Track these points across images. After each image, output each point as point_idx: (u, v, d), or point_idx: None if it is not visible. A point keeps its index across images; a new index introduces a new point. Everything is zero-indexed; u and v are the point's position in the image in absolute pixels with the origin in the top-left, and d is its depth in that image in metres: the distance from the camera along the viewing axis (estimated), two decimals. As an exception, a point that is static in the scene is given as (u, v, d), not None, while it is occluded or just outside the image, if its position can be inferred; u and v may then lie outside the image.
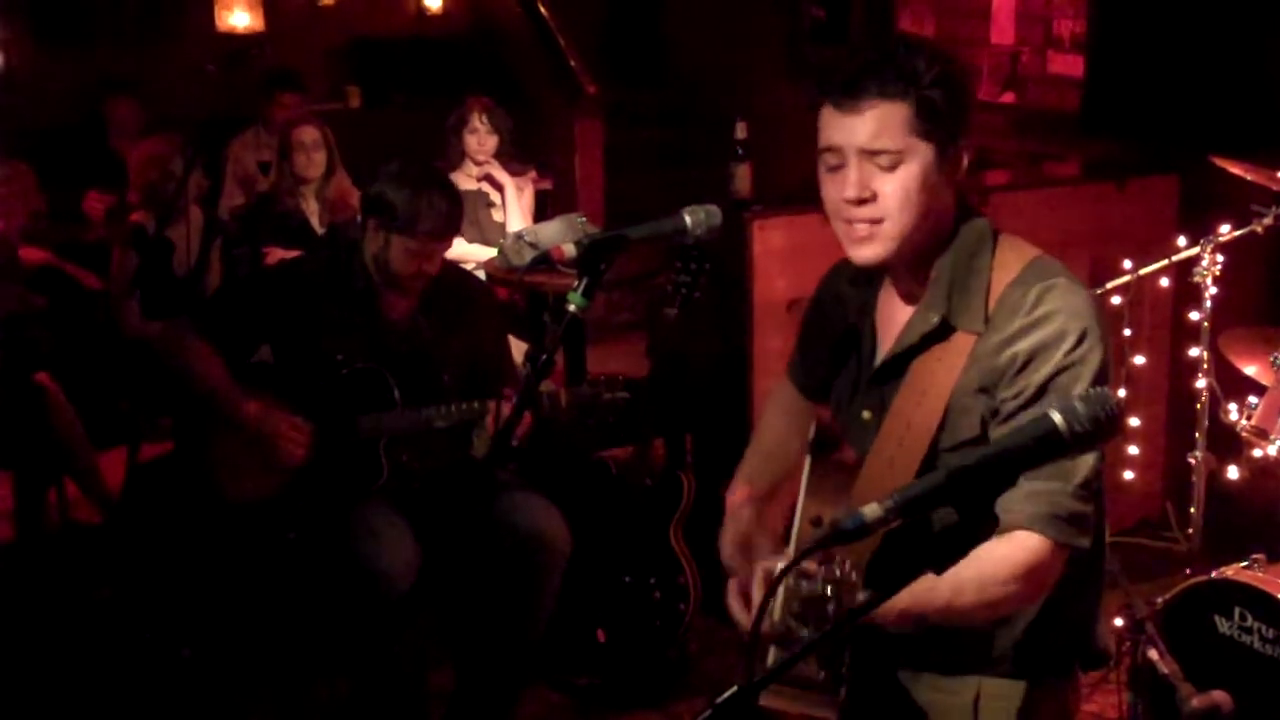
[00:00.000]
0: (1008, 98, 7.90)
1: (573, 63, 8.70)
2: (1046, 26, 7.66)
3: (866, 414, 2.45)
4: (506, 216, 6.14)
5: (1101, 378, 2.26)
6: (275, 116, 7.07)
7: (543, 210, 6.56)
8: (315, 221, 6.14)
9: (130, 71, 7.96)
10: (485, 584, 4.13)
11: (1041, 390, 2.24)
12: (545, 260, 2.72)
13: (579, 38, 8.90)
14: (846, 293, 2.54)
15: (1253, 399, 4.15)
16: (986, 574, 2.22)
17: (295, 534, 4.07)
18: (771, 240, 4.83)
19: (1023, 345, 2.27)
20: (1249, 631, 3.77)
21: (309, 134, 6.14)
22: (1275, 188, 4.29)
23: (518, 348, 5.22)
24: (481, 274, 5.49)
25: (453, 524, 4.08)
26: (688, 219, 2.58)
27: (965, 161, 2.34)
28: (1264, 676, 3.71)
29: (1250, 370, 4.30)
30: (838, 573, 2.11)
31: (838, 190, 2.36)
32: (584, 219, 5.81)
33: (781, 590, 2.11)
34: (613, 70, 9.32)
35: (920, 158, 2.29)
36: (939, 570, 1.88)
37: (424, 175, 4.05)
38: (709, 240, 2.63)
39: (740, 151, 4.94)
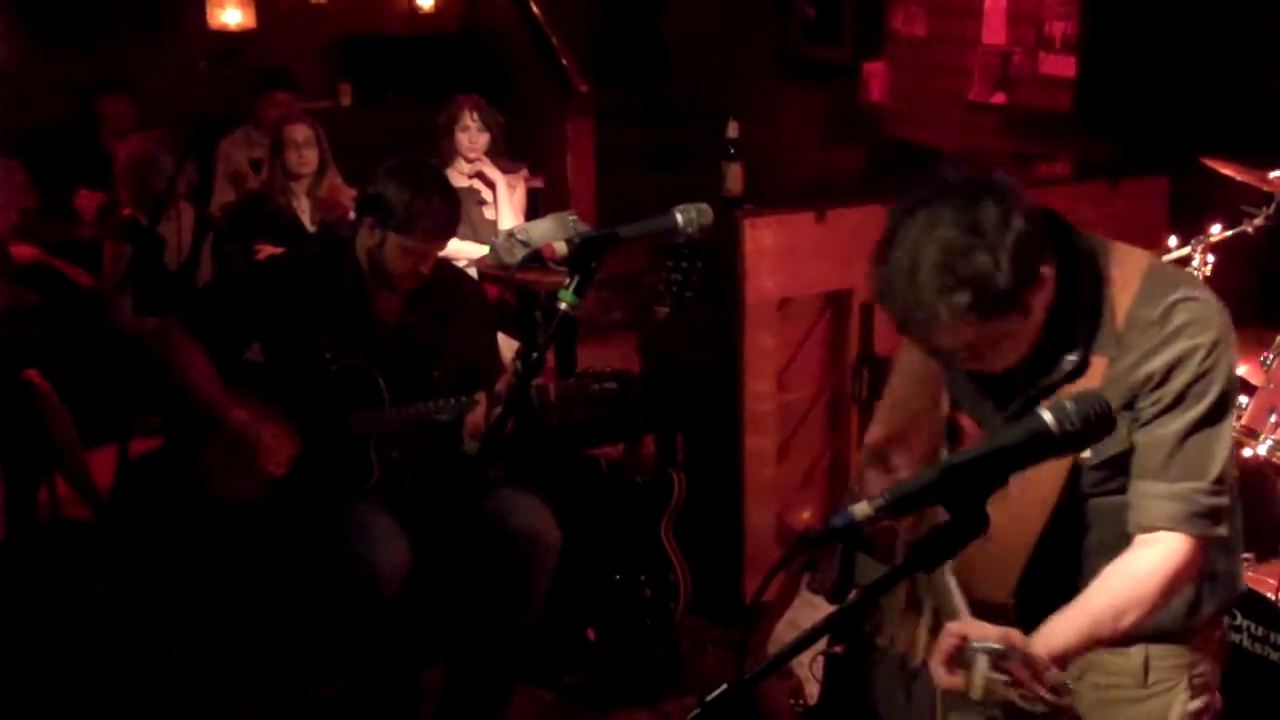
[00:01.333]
0: (999, 98, 7.91)
1: (565, 61, 8.70)
2: (1038, 27, 7.66)
3: None
4: (498, 214, 6.15)
5: (1231, 380, 2.39)
6: (267, 114, 7.06)
7: (534, 208, 6.57)
8: (306, 219, 6.14)
9: (123, 69, 7.95)
10: (475, 582, 4.13)
11: (1179, 398, 2.35)
12: (537, 258, 2.73)
13: (571, 36, 8.90)
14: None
15: (1243, 399, 4.16)
16: (1147, 587, 2.34)
17: (286, 533, 4.06)
18: (763, 239, 4.83)
19: (1158, 362, 2.35)
20: (1238, 630, 3.78)
21: (300, 131, 6.14)
22: (1265, 188, 4.30)
23: (509, 345, 5.23)
24: (473, 271, 5.49)
25: (443, 522, 4.07)
26: (679, 218, 2.59)
27: (1049, 273, 2.31)
28: (1253, 675, 3.72)
29: (1240, 370, 4.29)
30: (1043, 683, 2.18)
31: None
32: (575, 217, 5.82)
33: (981, 670, 2.17)
34: (604, 69, 9.32)
35: (1008, 326, 2.30)
36: (928, 569, 1.88)
37: (424, 176, 4.02)
38: (700, 239, 2.64)
39: (732, 150, 4.94)
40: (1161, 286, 2.40)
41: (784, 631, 4.20)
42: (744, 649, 1.98)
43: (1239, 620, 3.77)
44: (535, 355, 2.57)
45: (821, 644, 3.99)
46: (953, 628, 2.25)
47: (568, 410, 4.06)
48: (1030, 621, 2.33)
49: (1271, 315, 4.71)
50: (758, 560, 4.95)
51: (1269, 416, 3.97)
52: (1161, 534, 2.36)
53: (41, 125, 7.71)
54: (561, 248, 2.54)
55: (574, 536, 4.26)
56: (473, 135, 6.14)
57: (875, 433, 2.83)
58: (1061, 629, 2.31)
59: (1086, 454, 2.38)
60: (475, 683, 4.21)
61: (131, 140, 6.20)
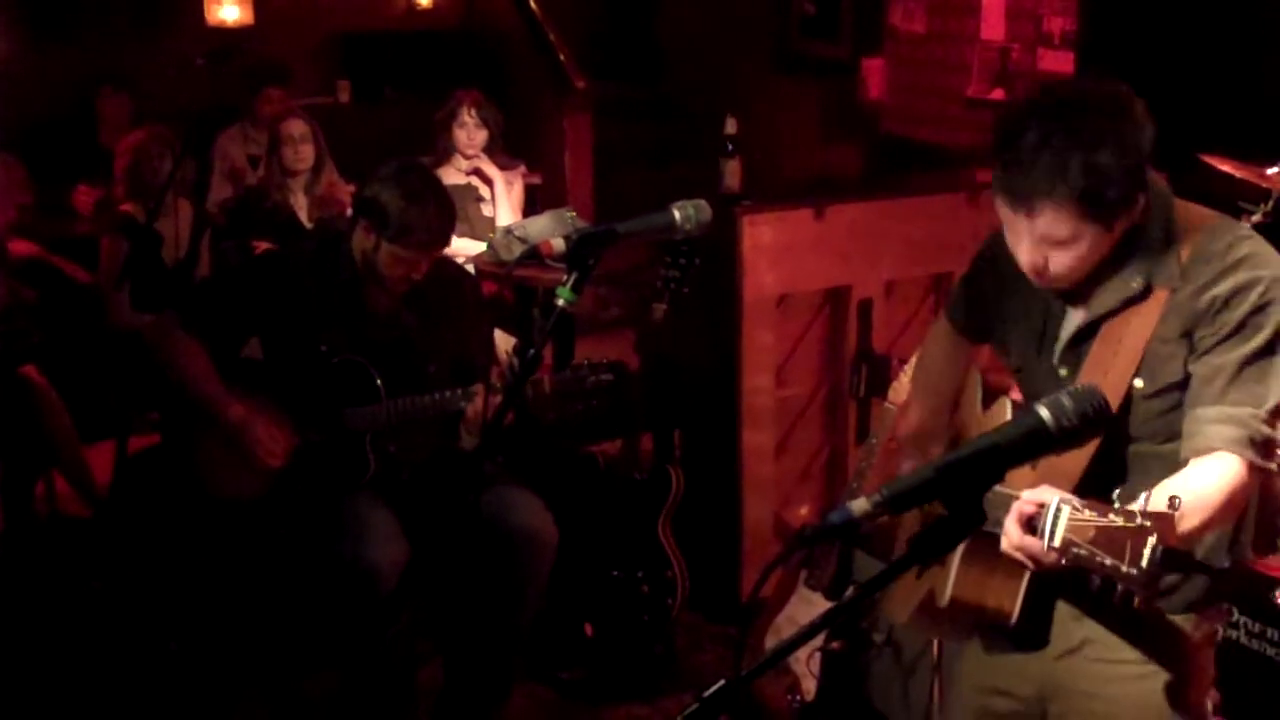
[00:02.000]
0: (998, 94, 7.90)
1: (562, 57, 8.69)
2: (1037, 23, 7.66)
3: (1064, 371, 2.58)
4: (496, 211, 6.14)
5: None
6: (262, 111, 7.05)
7: (532, 205, 6.57)
8: (304, 216, 6.13)
9: (120, 66, 7.94)
10: (473, 578, 4.13)
11: (1240, 325, 2.40)
12: (534, 255, 2.72)
13: (569, 32, 8.89)
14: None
15: (1239, 395, 4.16)
16: (1208, 498, 2.35)
17: (283, 528, 4.07)
18: (761, 236, 4.83)
19: (1222, 288, 2.41)
20: (1236, 626, 3.78)
21: (297, 127, 6.14)
22: (1263, 185, 4.30)
23: (506, 342, 5.23)
24: (471, 268, 5.48)
25: (440, 518, 4.07)
26: (677, 214, 2.59)
27: (1139, 205, 2.42)
28: (1249, 671, 3.72)
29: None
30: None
31: (1017, 254, 2.49)
32: (573, 214, 5.81)
33: (1064, 517, 2.13)
34: (603, 65, 9.31)
35: (1090, 236, 2.40)
36: (924, 565, 1.88)
37: (421, 184, 3.99)
38: (698, 235, 2.64)
39: (730, 147, 4.94)
40: (1228, 226, 2.51)
41: (781, 627, 4.22)
42: (741, 645, 1.98)
43: (1236, 617, 3.78)
44: (533, 352, 2.57)
45: (819, 640, 4.01)
46: (1028, 494, 2.25)
47: (564, 403, 4.05)
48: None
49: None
50: (755, 556, 4.95)
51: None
52: (1218, 454, 2.38)
53: (39, 121, 7.71)
54: (559, 244, 2.54)
55: (572, 533, 4.26)
56: (470, 131, 6.14)
57: (911, 420, 2.92)
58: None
59: (1139, 382, 2.45)
60: (473, 679, 4.21)
61: (129, 137, 6.20)
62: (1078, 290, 2.54)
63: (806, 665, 4.08)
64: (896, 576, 1.91)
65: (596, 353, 6.44)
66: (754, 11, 9.42)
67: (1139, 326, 2.47)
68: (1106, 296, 2.51)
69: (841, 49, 8.89)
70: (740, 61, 9.36)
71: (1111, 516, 2.02)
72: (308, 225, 6.10)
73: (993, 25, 7.92)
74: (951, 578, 2.56)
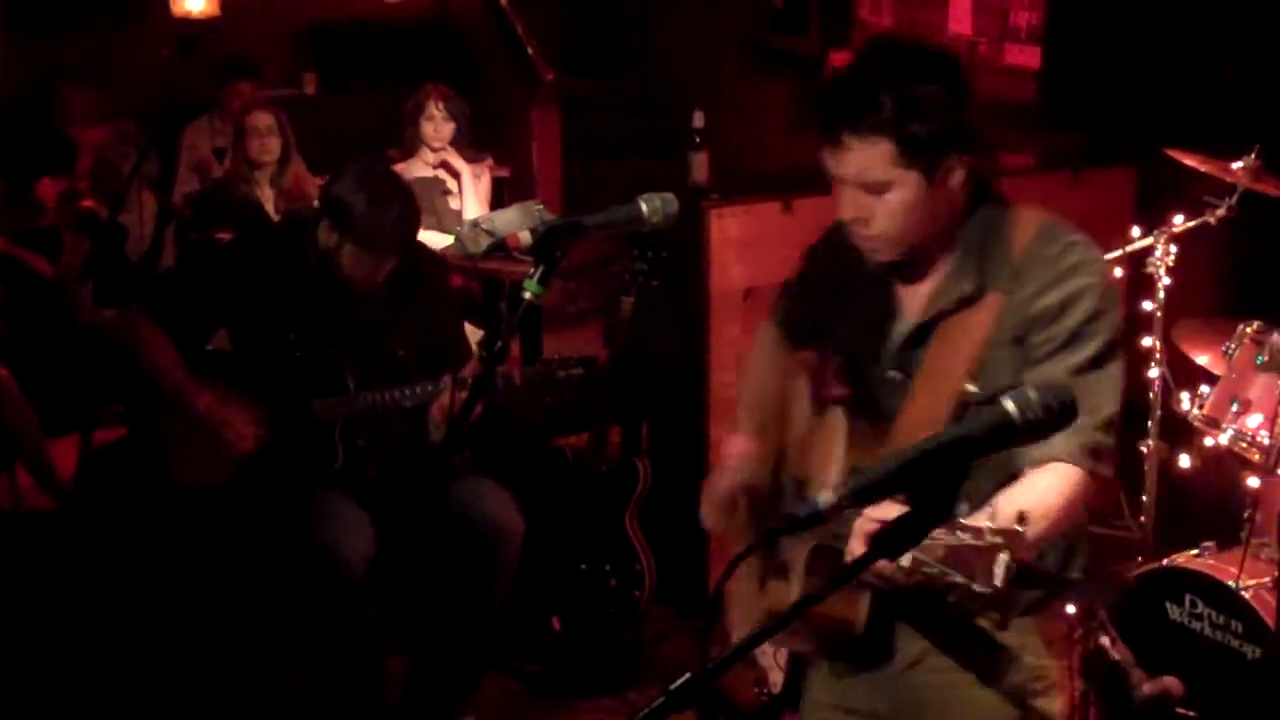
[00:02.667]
0: (964, 88, 7.92)
1: (530, 50, 8.67)
2: (1004, 18, 7.67)
3: (893, 373, 2.54)
4: (463, 204, 6.12)
5: (1118, 327, 2.43)
6: (229, 103, 7.02)
7: (500, 198, 6.55)
8: (270, 209, 6.11)
9: (86, 57, 7.89)
10: (440, 570, 4.13)
11: (1073, 336, 2.38)
12: (501, 247, 2.72)
13: (538, 25, 8.87)
14: (857, 255, 2.58)
15: (1204, 388, 4.19)
16: (1051, 507, 2.33)
17: (250, 520, 4.05)
18: (728, 229, 4.83)
19: (1054, 296, 2.40)
20: (1199, 618, 3.81)
21: (263, 119, 6.11)
22: (1228, 179, 4.33)
23: (474, 335, 5.22)
24: (437, 259, 5.47)
25: (408, 509, 4.07)
26: (644, 207, 2.58)
27: (959, 170, 2.43)
28: (1214, 662, 3.74)
29: (1202, 360, 4.33)
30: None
31: (841, 211, 2.49)
32: (541, 207, 5.81)
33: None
34: (571, 58, 9.30)
35: (908, 185, 2.40)
36: (890, 559, 1.89)
37: (385, 187, 4.00)
38: (666, 229, 2.64)
39: (698, 140, 4.94)
40: (1058, 230, 2.49)
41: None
42: (707, 638, 1.98)
43: (1200, 609, 3.80)
44: (500, 344, 2.57)
45: (786, 633, 4.01)
46: (872, 512, 2.18)
47: (534, 396, 4.05)
48: None
49: (1233, 305, 4.75)
50: (723, 550, 4.94)
51: (1230, 405, 4.00)
52: (1057, 464, 2.36)
53: (3, 112, 7.64)
54: (526, 237, 2.55)
55: (539, 525, 4.26)
56: (438, 124, 6.12)
57: (738, 438, 2.76)
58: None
59: (972, 387, 2.42)
60: (440, 671, 4.21)
61: (93, 133, 6.17)
62: (911, 282, 2.53)
63: (774, 658, 4.09)
64: (861, 571, 1.91)
65: (564, 346, 6.46)
66: (722, 5, 9.42)
67: (974, 329, 2.46)
68: (940, 297, 2.50)
69: (809, 42, 8.89)
70: (708, 55, 9.36)
71: (960, 535, 1.98)
72: (274, 218, 6.07)
73: (959, 19, 7.94)
74: (795, 588, 2.50)
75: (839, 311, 2.67)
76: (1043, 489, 2.35)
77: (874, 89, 2.34)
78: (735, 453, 2.72)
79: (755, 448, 2.72)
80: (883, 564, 2.09)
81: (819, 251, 2.77)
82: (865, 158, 2.37)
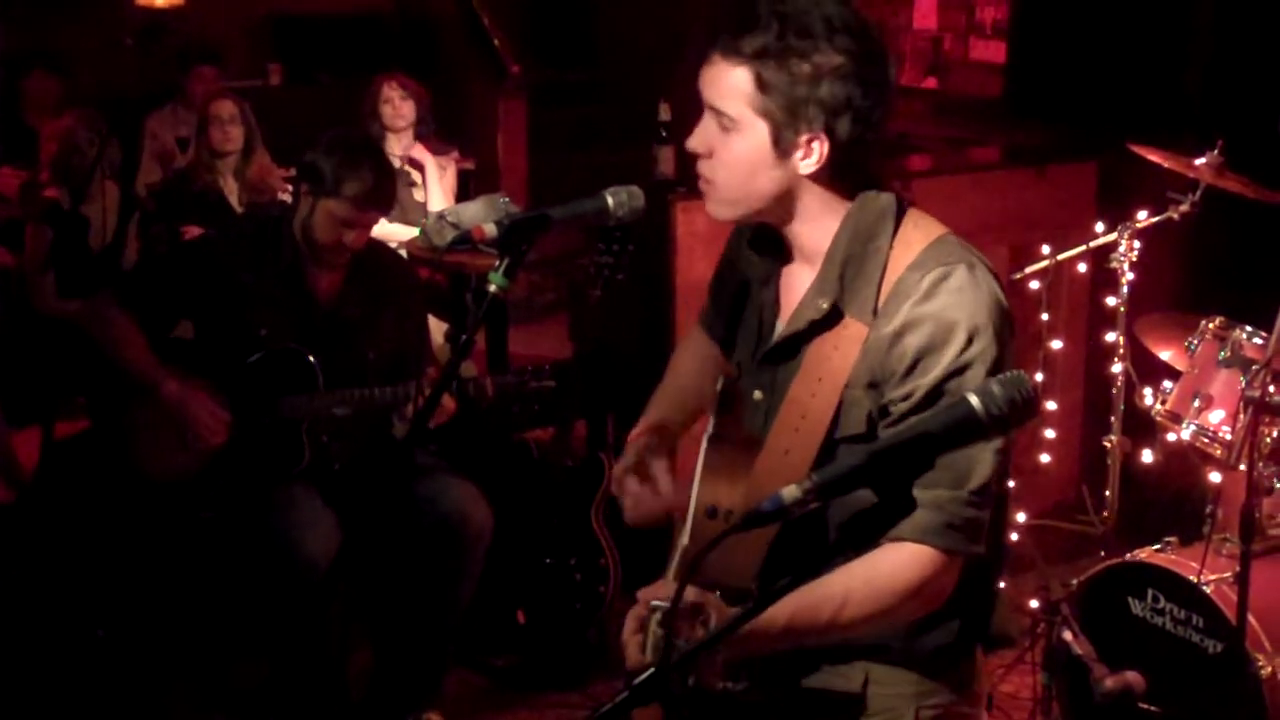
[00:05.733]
0: (930, 83, 7.94)
1: (496, 41, 8.65)
2: (969, 12, 7.71)
3: (758, 394, 2.33)
4: (428, 196, 6.11)
5: (997, 372, 2.08)
6: (193, 90, 6.98)
7: (465, 190, 6.54)
8: (234, 200, 6.07)
9: (48, 45, 7.82)
10: (406, 565, 4.12)
11: (931, 395, 2.10)
12: (466, 240, 2.70)
13: (504, 17, 8.85)
14: (748, 255, 2.39)
15: (1167, 384, 4.20)
16: (878, 588, 2.11)
17: (213, 514, 4.04)
18: (695, 222, 4.83)
19: (910, 341, 2.11)
20: (1161, 613, 3.82)
21: (225, 108, 6.08)
22: (1191, 175, 4.35)
23: (438, 328, 5.21)
24: (403, 253, 5.45)
25: (373, 505, 4.06)
26: (610, 200, 2.57)
27: (816, 153, 2.15)
28: (1175, 657, 3.76)
29: (1165, 355, 4.35)
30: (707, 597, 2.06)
31: (690, 137, 2.26)
32: (506, 199, 5.79)
33: (652, 627, 2.04)
34: (537, 50, 9.28)
35: (754, 134, 2.17)
36: (855, 554, 1.88)
37: (358, 144, 4.05)
38: (632, 222, 2.62)
39: (664, 133, 4.94)
40: (941, 255, 2.16)
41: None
42: (671, 631, 1.97)
43: (1162, 604, 3.82)
44: (465, 338, 2.56)
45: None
46: (643, 592, 2.10)
47: (505, 405, 4.07)
48: None
49: (1195, 301, 4.77)
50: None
51: (1192, 401, 4.01)
52: (906, 544, 2.11)
53: (-38, 102, 7.58)
54: (491, 229, 2.52)
55: (505, 520, 4.25)
56: (396, 104, 6.14)
57: (639, 426, 2.62)
58: (774, 607, 2.01)
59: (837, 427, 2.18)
60: (405, 666, 4.20)
61: (56, 122, 6.12)
62: (792, 285, 2.29)
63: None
64: (828, 565, 1.90)
65: (530, 338, 6.45)
66: (689, -2, 9.43)
67: (839, 364, 2.18)
68: (798, 312, 2.24)
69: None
70: (675, 48, 9.35)
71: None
72: (238, 209, 6.04)
73: (925, 14, 7.97)
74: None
75: (738, 312, 2.45)
76: (874, 569, 2.11)
77: (760, 15, 2.12)
78: (631, 437, 2.59)
79: (649, 433, 2.59)
80: (631, 651, 2.07)
81: (733, 240, 2.52)
82: (722, 83, 2.15)
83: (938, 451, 1.87)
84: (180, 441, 3.98)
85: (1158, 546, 3.98)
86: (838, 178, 2.20)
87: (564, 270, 6.12)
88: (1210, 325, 4.09)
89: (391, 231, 5.81)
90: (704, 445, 2.31)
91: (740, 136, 2.19)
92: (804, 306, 2.24)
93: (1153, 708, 3.72)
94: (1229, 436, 3.88)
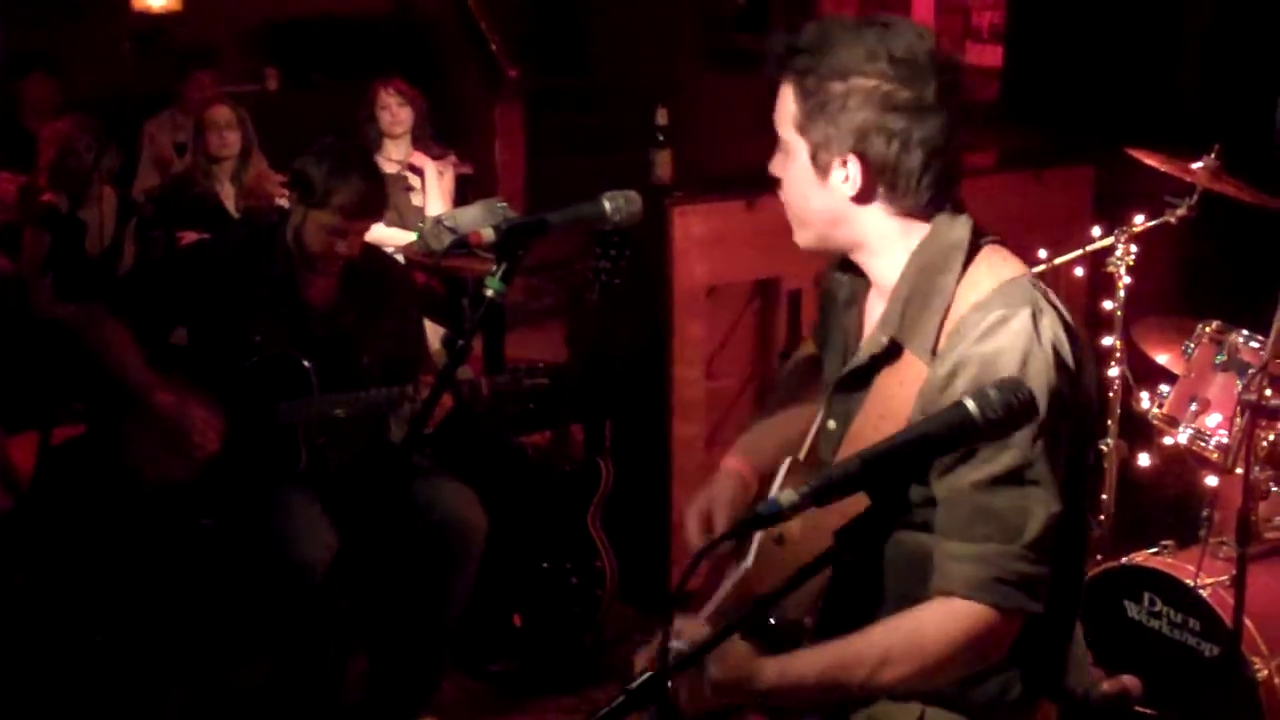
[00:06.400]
0: (927, 87, 7.95)
1: (494, 46, 8.66)
2: (965, 17, 7.73)
3: (831, 423, 2.30)
4: (426, 201, 6.11)
5: (1048, 431, 2.04)
6: (190, 95, 6.98)
7: (463, 195, 6.54)
8: (231, 205, 6.07)
9: (45, 49, 7.82)
10: (402, 569, 4.11)
11: (973, 452, 2.04)
12: (464, 245, 2.71)
13: (502, 21, 8.86)
14: (836, 275, 2.38)
15: (1164, 387, 4.21)
16: (921, 645, 2.07)
17: (211, 519, 4.03)
18: (692, 227, 4.83)
19: (959, 384, 2.06)
20: (1158, 616, 3.83)
21: (222, 114, 6.08)
22: (1188, 179, 4.35)
23: (435, 332, 5.21)
24: (400, 258, 5.46)
25: (369, 509, 4.05)
26: (607, 205, 2.58)
27: (850, 178, 2.14)
28: (1172, 660, 3.76)
29: (1162, 359, 4.36)
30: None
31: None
32: (504, 204, 5.80)
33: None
34: (535, 55, 9.28)
35: (799, 155, 2.19)
36: (854, 555, 1.88)
37: (347, 153, 4.02)
38: (629, 226, 2.63)
39: (661, 138, 4.94)
40: (1007, 298, 2.10)
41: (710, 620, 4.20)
42: (668, 636, 1.97)
43: (1158, 607, 3.82)
44: (462, 342, 2.56)
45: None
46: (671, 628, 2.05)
47: (499, 404, 4.06)
48: None
49: (1192, 304, 4.78)
50: (685, 548, 4.94)
51: (1189, 405, 4.02)
52: (956, 600, 2.06)
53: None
54: (489, 234, 2.53)
55: (501, 524, 4.25)
56: (394, 110, 6.14)
57: (732, 461, 2.59)
58: (805, 658, 2.09)
59: None
60: (401, 670, 4.19)
61: (54, 126, 6.12)
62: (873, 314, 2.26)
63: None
64: (823, 568, 1.90)
65: (528, 343, 6.45)
66: (685, 3, 9.43)
67: (900, 403, 2.13)
68: (865, 345, 2.21)
69: (773, 41, 8.92)
70: (672, 53, 9.36)
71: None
72: (235, 214, 6.04)
73: (922, 19, 7.98)
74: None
75: (830, 336, 2.42)
76: (919, 625, 2.07)
77: (810, 39, 2.13)
78: (721, 469, 2.58)
79: (741, 467, 2.57)
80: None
81: (827, 274, 2.46)
82: (778, 105, 2.19)
83: (933, 455, 1.88)
84: (176, 449, 3.97)
85: (1154, 550, 3.98)
86: (894, 204, 2.17)
87: (561, 275, 6.12)
88: (1207, 329, 4.10)
89: (389, 236, 5.81)
90: (782, 469, 2.33)
91: (791, 159, 2.20)
92: (869, 340, 2.21)
93: (1149, 711, 3.72)
94: (1226, 440, 3.89)
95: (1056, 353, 2.08)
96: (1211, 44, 5.91)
